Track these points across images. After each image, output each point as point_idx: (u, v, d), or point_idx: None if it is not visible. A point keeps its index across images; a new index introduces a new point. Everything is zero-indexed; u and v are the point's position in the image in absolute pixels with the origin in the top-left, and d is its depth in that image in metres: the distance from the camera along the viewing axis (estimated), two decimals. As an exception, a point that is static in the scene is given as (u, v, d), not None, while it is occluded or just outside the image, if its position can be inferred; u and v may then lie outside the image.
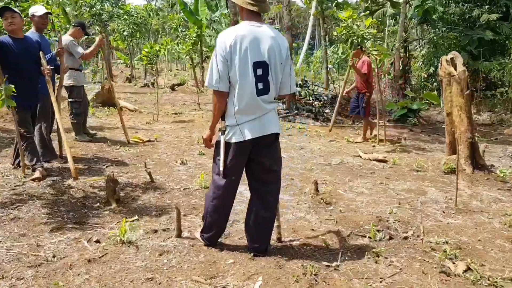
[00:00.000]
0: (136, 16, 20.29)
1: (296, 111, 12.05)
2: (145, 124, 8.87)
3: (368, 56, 7.55)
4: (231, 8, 14.80)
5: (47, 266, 2.93)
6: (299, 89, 13.21)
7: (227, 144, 3.00)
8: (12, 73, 4.56)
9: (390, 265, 3.09)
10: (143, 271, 2.91)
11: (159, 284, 2.75)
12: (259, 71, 2.87)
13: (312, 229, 3.71)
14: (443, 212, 4.32)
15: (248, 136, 2.92)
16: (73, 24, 7.20)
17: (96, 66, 21.25)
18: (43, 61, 4.62)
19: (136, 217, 3.87)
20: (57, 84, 5.43)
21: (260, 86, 2.90)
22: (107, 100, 10.57)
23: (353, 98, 8.25)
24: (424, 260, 3.17)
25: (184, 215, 3.96)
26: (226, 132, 2.98)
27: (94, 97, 10.62)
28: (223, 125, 3.03)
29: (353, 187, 5.03)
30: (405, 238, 3.58)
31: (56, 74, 5.47)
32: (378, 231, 3.65)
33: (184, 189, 4.74)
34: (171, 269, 2.95)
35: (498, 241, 3.65)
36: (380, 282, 2.84)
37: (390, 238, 3.56)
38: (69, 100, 6.76)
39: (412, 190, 5.00)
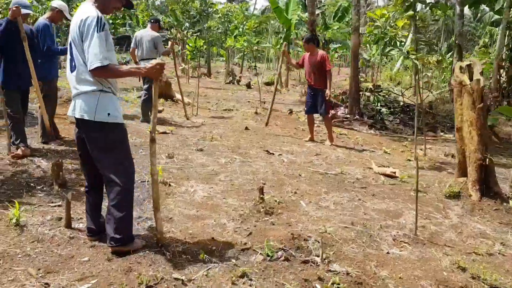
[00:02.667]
0: (231, 15, 20.80)
1: (357, 117, 11.33)
2: (183, 117, 9.01)
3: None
4: (309, 7, 14.48)
5: None
6: (368, 93, 12.43)
7: None
8: (6, 55, 4.90)
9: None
10: (-1, 255, 2.90)
11: (-5, 269, 2.72)
12: (73, 49, 2.85)
13: (213, 238, 3.40)
14: (394, 240, 3.69)
15: (69, 112, 2.99)
16: (151, 20, 7.79)
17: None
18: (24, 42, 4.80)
19: (59, 203, 3.90)
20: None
21: (71, 64, 2.88)
22: (163, 92, 10.96)
23: (308, 96, 7.61)
24: (290, 289, 2.71)
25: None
26: None
27: (152, 89, 11.09)
28: None
29: (321, 200, 4.54)
30: (305, 262, 3.10)
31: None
32: (280, 249, 3.21)
33: (140, 181, 4.68)
34: (23, 258, 2.91)
35: (422, 282, 3.00)
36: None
37: (286, 260, 3.11)
38: (146, 86, 7.80)
39: (388, 211, 4.38)
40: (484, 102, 4.64)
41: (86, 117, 2.83)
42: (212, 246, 3.25)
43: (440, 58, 7.33)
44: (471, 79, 4.76)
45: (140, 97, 8.74)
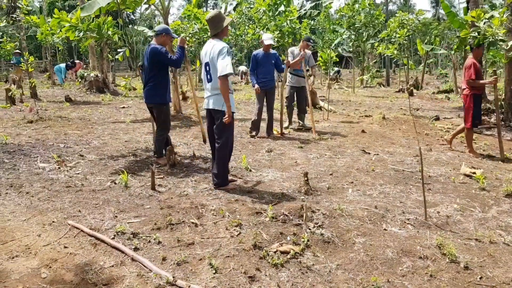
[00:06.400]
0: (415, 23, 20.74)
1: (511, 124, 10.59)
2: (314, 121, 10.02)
3: None
4: (471, 9, 13.92)
5: (70, 189, 4.93)
6: None
7: None
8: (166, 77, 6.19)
9: (229, 231, 3.71)
10: (100, 200, 4.54)
11: (97, 205, 4.34)
12: (208, 68, 4.72)
13: (243, 204, 4.45)
14: (405, 222, 4.12)
15: (204, 106, 4.94)
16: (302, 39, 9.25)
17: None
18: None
19: (162, 176, 5.47)
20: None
21: (208, 77, 4.74)
22: (309, 100, 12.11)
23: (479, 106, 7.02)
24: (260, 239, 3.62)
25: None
26: None
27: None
28: None
29: (370, 189, 5.08)
30: (297, 224, 3.92)
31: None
32: (283, 215, 4.09)
33: (231, 166, 5.97)
34: (115, 203, 4.47)
35: (387, 250, 3.51)
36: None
37: (283, 222, 3.98)
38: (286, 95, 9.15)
39: (428, 202, 4.70)
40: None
41: (217, 108, 4.68)
42: (237, 208, 4.30)
43: None
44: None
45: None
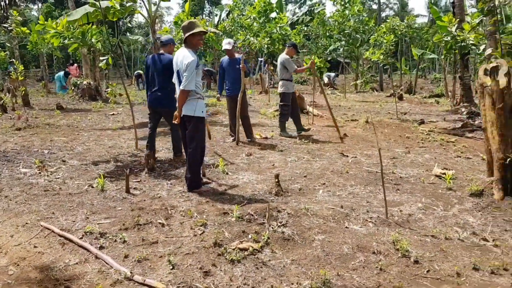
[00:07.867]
0: (396, 29, 20.97)
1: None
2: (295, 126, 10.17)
3: None
4: (457, 14, 14.09)
5: (48, 193, 5.08)
6: None
7: None
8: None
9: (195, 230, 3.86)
10: (74, 203, 4.70)
11: (71, 207, 4.50)
12: (179, 75, 4.85)
13: (213, 205, 4.60)
14: (366, 220, 4.26)
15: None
16: (287, 45, 9.24)
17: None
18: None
19: (139, 179, 5.63)
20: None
21: (179, 83, 4.82)
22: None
23: None
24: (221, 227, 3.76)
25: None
26: None
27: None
28: None
29: (340, 190, 5.22)
30: (261, 223, 4.06)
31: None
32: (249, 214, 4.23)
33: (207, 163, 6.12)
34: (89, 205, 4.62)
35: (344, 246, 3.66)
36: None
37: (248, 221, 4.12)
38: (280, 103, 8.87)
39: (390, 202, 4.84)
40: (505, 102, 4.70)
41: (188, 114, 4.83)
42: (205, 209, 4.45)
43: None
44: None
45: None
